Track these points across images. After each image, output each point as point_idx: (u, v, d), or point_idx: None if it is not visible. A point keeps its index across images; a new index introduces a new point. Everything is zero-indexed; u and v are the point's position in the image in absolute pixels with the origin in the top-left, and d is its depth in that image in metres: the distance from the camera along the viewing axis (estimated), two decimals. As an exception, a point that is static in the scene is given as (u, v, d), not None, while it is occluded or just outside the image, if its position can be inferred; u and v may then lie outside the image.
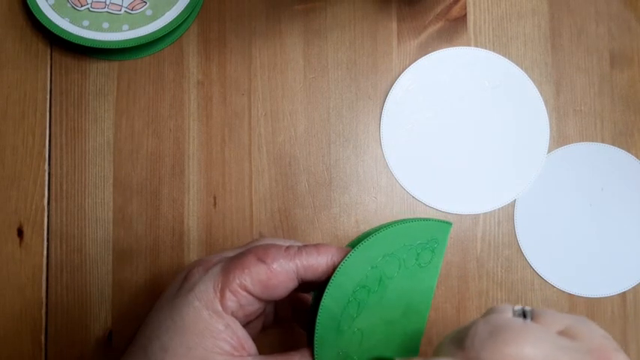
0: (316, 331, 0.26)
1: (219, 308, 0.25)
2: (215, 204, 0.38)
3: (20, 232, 0.37)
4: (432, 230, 0.27)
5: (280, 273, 0.26)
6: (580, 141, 0.39)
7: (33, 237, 0.37)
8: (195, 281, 0.26)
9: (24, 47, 0.39)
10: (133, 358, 0.25)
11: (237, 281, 0.25)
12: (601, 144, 0.39)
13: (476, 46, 0.39)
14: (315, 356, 0.26)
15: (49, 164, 0.38)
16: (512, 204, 0.38)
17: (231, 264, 0.26)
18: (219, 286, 0.25)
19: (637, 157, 0.38)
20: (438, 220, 0.27)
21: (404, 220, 0.27)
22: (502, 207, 0.38)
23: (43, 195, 0.38)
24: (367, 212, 0.38)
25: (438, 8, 0.39)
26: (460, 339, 0.21)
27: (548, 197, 0.38)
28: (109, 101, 0.39)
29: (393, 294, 0.27)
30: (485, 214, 0.38)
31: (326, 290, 0.26)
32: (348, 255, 0.26)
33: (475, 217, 0.38)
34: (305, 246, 0.27)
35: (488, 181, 0.38)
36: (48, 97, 0.38)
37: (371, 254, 0.27)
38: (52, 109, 0.38)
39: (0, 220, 0.37)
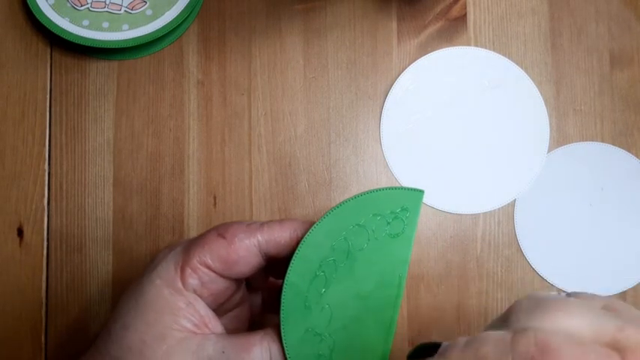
0: (282, 307, 0.25)
1: (180, 286, 0.25)
2: (215, 204, 0.38)
3: (20, 232, 0.37)
4: (403, 199, 0.26)
5: (240, 247, 0.25)
6: (580, 141, 0.39)
7: (33, 237, 0.37)
8: (158, 261, 0.26)
9: (24, 47, 0.39)
10: (98, 340, 0.26)
11: (197, 258, 0.25)
12: (601, 144, 0.39)
13: (476, 45, 0.39)
14: (282, 334, 0.25)
15: (49, 164, 0.38)
16: (512, 204, 0.38)
17: (192, 242, 0.26)
18: (180, 263, 0.25)
19: (637, 157, 0.38)
20: (409, 188, 0.26)
21: (372, 189, 0.26)
22: (502, 207, 0.38)
23: (43, 195, 0.38)
24: (367, 212, 0.38)
25: (438, 8, 0.39)
26: (503, 318, 0.21)
27: (548, 197, 0.38)
28: (109, 101, 0.39)
29: (363, 267, 0.25)
30: (485, 214, 0.38)
31: (290, 265, 0.25)
32: (313, 227, 0.25)
33: (475, 217, 0.38)
34: (269, 221, 0.27)
35: (488, 181, 0.38)
36: (48, 97, 0.38)
37: (337, 225, 0.25)
38: (52, 109, 0.38)
39: (0, 220, 0.37)
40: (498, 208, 0.38)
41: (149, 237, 0.38)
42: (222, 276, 0.26)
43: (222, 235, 0.26)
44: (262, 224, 0.26)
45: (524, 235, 0.38)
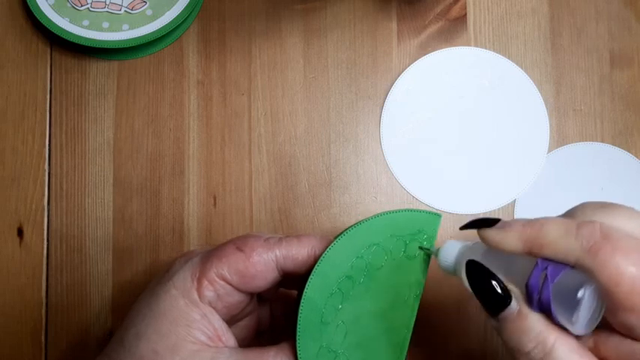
0: (298, 322, 0.25)
1: (196, 297, 0.25)
2: (215, 204, 0.38)
3: (20, 232, 0.37)
4: (421, 222, 0.26)
5: (258, 262, 0.25)
6: (580, 141, 0.39)
7: (33, 237, 0.37)
8: (174, 271, 0.26)
9: (24, 47, 0.39)
10: (111, 346, 0.25)
11: (215, 270, 0.25)
12: (601, 144, 0.39)
13: (476, 45, 0.39)
14: (298, 350, 0.25)
15: (49, 164, 0.38)
16: (512, 204, 0.38)
17: (210, 254, 0.26)
18: (197, 275, 0.25)
19: (637, 157, 0.38)
20: (427, 212, 0.26)
21: (391, 210, 0.26)
22: (502, 207, 0.38)
23: (43, 195, 0.38)
24: (367, 212, 0.38)
25: (437, 8, 0.39)
26: (567, 214, 0.22)
27: (548, 197, 0.38)
28: (109, 101, 0.39)
29: (379, 286, 0.26)
30: (485, 214, 0.38)
31: (308, 281, 0.25)
32: (332, 244, 0.25)
33: (475, 217, 0.38)
34: (287, 236, 0.26)
35: (488, 181, 0.38)
36: (48, 97, 0.38)
37: (356, 244, 0.26)
38: (52, 109, 0.38)
39: (0, 220, 0.37)
40: (498, 208, 0.38)
41: (149, 237, 0.38)
42: (238, 289, 0.26)
43: (240, 249, 0.25)
44: (280, 239, 0.26)
45: (524, 235, 0.38)
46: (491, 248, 0.22)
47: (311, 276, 0.25)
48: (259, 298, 0.31)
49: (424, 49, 0.39)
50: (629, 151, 0.38)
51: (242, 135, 0.38)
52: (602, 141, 0.39)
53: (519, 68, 0.39)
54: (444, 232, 0.38)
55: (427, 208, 0.38)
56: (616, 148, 0.39)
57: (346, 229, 0.26)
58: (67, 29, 0.37)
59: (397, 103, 0.39)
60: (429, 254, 0.26)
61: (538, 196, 0.38)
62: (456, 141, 0.39)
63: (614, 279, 0.18)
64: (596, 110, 0.39)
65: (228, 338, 0.25)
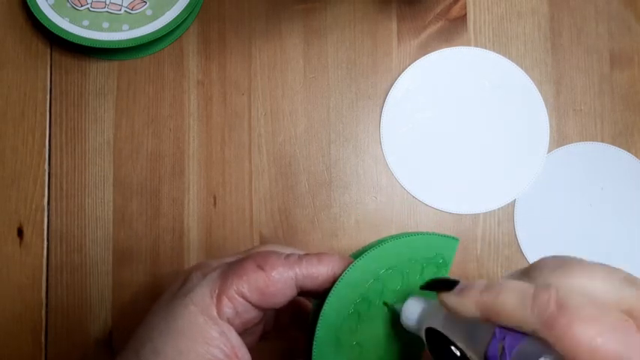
0: (315, 342, 0.25)
1: (215, 314, 0.25)
2: (215, 204, 0.38)
3: (20, 232, 0.37)
4: (438, 245, 0.26)
5: (279, 281, 0.25)
6: (580, 141, 0.39)
7: (33, 237, 0.37)
8: (192, 285, 0.26)
9: (24, 47, 0.39)
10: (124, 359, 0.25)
11: (235, 288, 0.25)
12: (601, 144, 0.39)
13: (476, 45, 0.39)
14: None
15: (49, 164, 0.38)
16: (512, 204, 0.38)
17: (230, 270, 0.26)
18: (217, 291, 0.25)
19: (637, 157, 0.38)
20: (445, 236, 0.27)
21: (409, 233, 0.27)
22: (502, 207, 0.38)
23: (43, 195, 0.38)
24: (367, 212, 0.38)
25: (437, 8, 0.39)
26: (524, 272, 0.21)
27: (548, 197, 0.38)
28: (108, 101, 0.39)
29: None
30: (485, 214, 0.38)
31: (327, 301, 0.25)
32: (351, 265, 0.26)
33: (475, 217, 0.38)
34: (306, 255, 0.26)
35: (488, 181, 0.38)
36: (48, 97, 0.38)
37: (374, 266, 0.26)
38: (52, 109, 0.38)
39: (0, 220, 0.37)
40: (498, 208, 0.38)
41: (149, 237, 0.38)
42: (256, 307, 0.26)
43: (261, 267, 0.25)
44: (301, 258, 0.26)
45: (524, 235, 0.38)
46: (450, 313, 0.22)
47: (329, 296, 0.25)
48: None
49: (424, 49, 0.39)
50: (629, 151, 0.38)
51: (242, 135, 0.38)
52: (602, 141, 0.39)
53: (519, 68, 0.39)
54: (444, 232, 0.38)
55: (427, 208, 0.38)
56: (616, 148, 0.39)
57: (365, 250, 0.26)
58: (67, 29, 0.37)
59: (397, 103, 0.39)
60: (390, 309, 0.26)
61: (538, 196, 0.38)
62: (456, 141, 0.39)
63: (572, 351, 0.17)
64: (596, 110, 0.39)
65: (244, 355, 0.25)
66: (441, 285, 0.22)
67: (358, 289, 0.26)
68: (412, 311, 0.24)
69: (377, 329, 0.26)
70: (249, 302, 0.25)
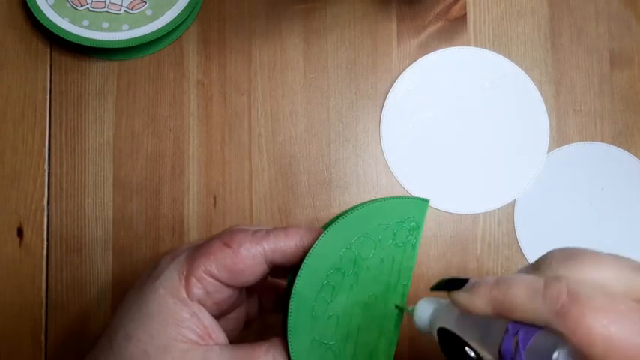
0: (289, 317, 0.25)
1: (185, 296, 0.25)
2: (215, 204, 0.38)
3: (20, 232, 0.37)
4: (408, 208, 0.26)
5: (247, 257, 0.25)
6: (580, 141, 0.39)
7: (33, 237, 0.37)
8: (161, 269, 0.26)
9: (24, 47, 0.39)
10: (99, 348, 0.25)
11: (203, 267, 0.25)
12: (601, 144, 0.39)
13: (476, 45, 0.39)
14: (289, 344, 0.25)
15: (49, 164, 0.38)
16: (512, 204, 0.38)
17: (197, 251, 0.26)
18: (184, 273, 0.25)
19: (637, 157, 0.38)
20: (414, 198, 0.26)
21: (378, 199, 0.26)
22: (502, 207, 0.38)
23: (43, 195, 0.38)
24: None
25: (437, 8, 0.39)
26: (534, 267, 0.21)
27: (548, 197, 0.38)
28: (108, 101, 0.39)
29: (368, 275, 0.26)
30: (485, 214, 0.38)
31: (298, 274, 0.25)
32: (321, 237, 0.25)
33: (475, 217, 0.38)
34: (274, 229, 0.26)
35: (488, 181, 0.38)
36: (48, 97, 0.38)
37: (345, 235, 0.25)
38: (52, 109, 0.38)
39: (0, 220, 0.37)
40: (498, 208, 0.38)
41: (149, 237, 0.38)
42: (227, 285, 0.25)
43: (227, 245, 0.25)
44: (268, 232, 0.26)
45: (524, 235, 0.38)
46: (462, 312, 0.21)
47: (300, 270, 0.25)
48: (247, 289, 0.30)
49: (424, 49, 0.39)
50: (629, 151, 0.38)
51: (242, 135, 0.38)
52: (602, 141, 0.39)
53: (519, 68, 0.39)
54: (444, 232, 0.38)
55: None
56: (616, 148, 0.39)
57: (333, 220, 0.26)
58: (67, 29, 0.37)
59: (397, 103, 0.39)
60: (402, 310, 0.26)
61: (538, 196, 0.38)
62: (456, 141, 0.39)
63: (586, 341, 0.17)
64: (596, 110, 0.39)
65: (218, 335, 0.25)
66: (451, 284, 0.22)
67: (330, 260, 0.25)
68: (424, 312, 0.24)
69: (352, 298, 0.26)
70: (219, 281, 0.25)
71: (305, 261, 0.25)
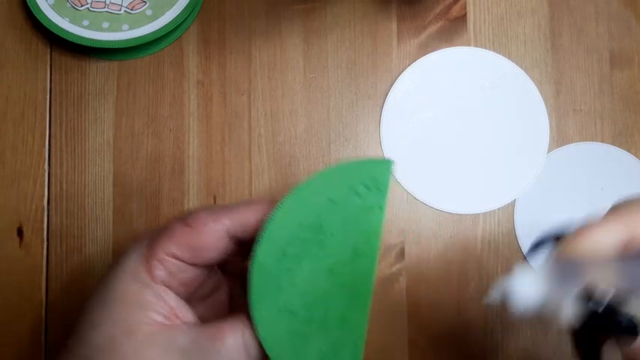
0: (251, 290, 0.24)
1: (147, 279, 0.24)
2: (215, 204, 0.38)
3: (20, 232, 0.37)
4: (372, 170, 0.25)
5: (207, 234, 0.25)
6: (580, 141, 0.39)
7: (33, 237, 0.37)
8: (124, 255, 0.25)
9: (24, 47, 0.39)
10: (69, 340, 0.25)
11: (164, 249, 0.24)
12: (601, 144, 0.39)
13: (476, 45, 0.39)
14: (254, 317, 0.24)
15: (49, 164, 0.38)
16: (512, 204, 0.38)
17: (158, 233, 0.25)
18: (146, 256, 0.25)
19: (637, 157, 0.38)
20: (377, 159, 0.26)
21: (341, 163, 0.25)
22: (502, 207, 0.38)
23: (43, 195, 0.38)
24: (367, 212, 0.38)
25: (437, 8, 0.39)
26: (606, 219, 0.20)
27: (548, 197, 0.38)
28: (109, 101, 0.39)
29: (334, 241, 0.25)
30: (485, 214, 0.38)
31: (257, 244, 0.24)
32: (279, 205, 0.24)
33: (475, 217, 0.38)
34: (236, 203, 0.26)
35: (488, 181, 0.38)
36: (48, 97, 0.38)
37: (306, 201, 0.25)
38: (52, 109, 0.38)
39: (0, 220, 0.37)
40: (498, 208, 0.38)
41: (149, 237, 0.38)
42: (191, 264, 0.25)
43: (188, 225, 0.25)
44: (229, 208, 0.25)
45: (524, 235, 0.38)
46: (584, 260, 0.19)
47: (259, 241, 0.24)
48: (226, 271, 0.30)
49: (424, 49, 0.39)
50: (629, 151, 0.38)
51: (242, 135, 0.38)
52: (602, 141, 0.39)
53: (519, 68, 0.39)
54: (444, 232, 0.38)
55: (427, 208, 0.38)
56: (616, 148, 0.39)
57: (294, 188, 0.25)
58: (67, 29, 0.37)
59: (397, 103, 0.39)
60: (495, 303, 0.23)
61: (538, 196, 0.38)
62: (456, 141, 0.39)
63: None
64: (596, 110, 0.39)
65: (186, 315, 0.25)
66: (552, 237, 0.20)
67: (291, 228, 0.25)
68: (526, 289, 0.21)
69: (318, 265, 0.25)
70: (182, 261, 0.25)
71: (263, 231, 0.24)
